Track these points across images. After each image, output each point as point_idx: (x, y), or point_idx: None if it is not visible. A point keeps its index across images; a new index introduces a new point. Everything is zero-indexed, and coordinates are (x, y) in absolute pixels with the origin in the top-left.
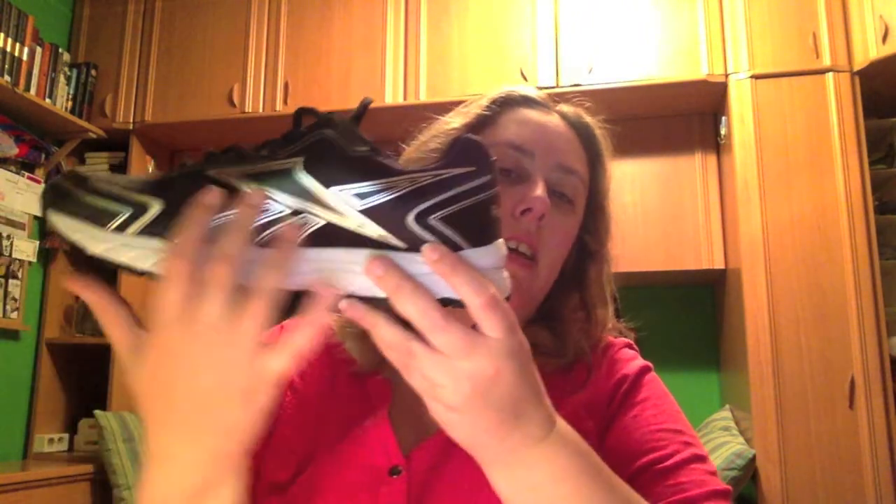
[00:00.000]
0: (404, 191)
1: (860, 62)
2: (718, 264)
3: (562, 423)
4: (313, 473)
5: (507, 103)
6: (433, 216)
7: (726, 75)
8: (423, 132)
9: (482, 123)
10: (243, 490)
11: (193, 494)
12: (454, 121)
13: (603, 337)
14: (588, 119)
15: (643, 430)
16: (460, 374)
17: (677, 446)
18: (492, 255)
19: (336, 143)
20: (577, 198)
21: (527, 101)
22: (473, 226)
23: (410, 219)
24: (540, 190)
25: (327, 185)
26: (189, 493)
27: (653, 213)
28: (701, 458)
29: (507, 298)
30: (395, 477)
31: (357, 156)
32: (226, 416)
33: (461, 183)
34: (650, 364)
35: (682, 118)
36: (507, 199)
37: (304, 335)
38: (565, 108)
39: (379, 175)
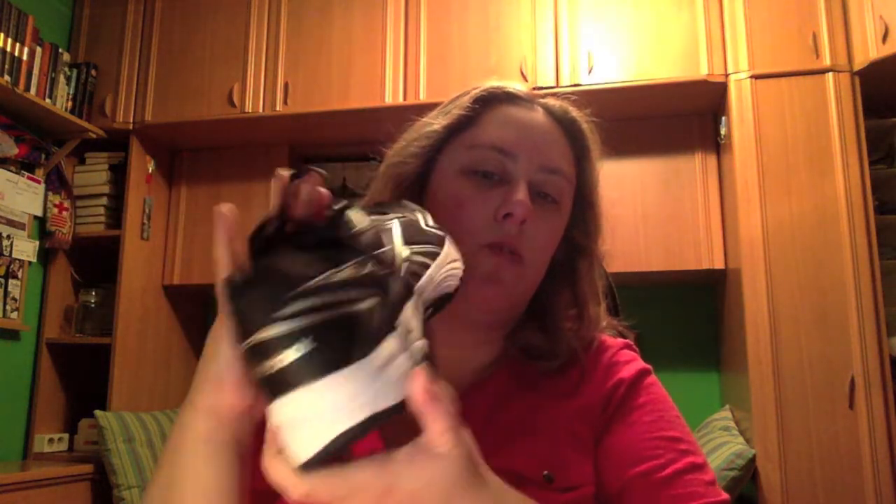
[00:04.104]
0: None
1: (860, 62)
2: (718, 264)
3: None
4: None
5: (489, 101)
6: None
7: (726, 75)
8: (406, 132)
9: (464, 124)
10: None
11: None
12: (436, 122)
13: (596, 336)
14: (574, 113)
15: (639, 438)
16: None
17: (674, 455)
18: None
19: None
20: (563, 197)
21: (510, 98)
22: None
23: None
24: (521, 194)
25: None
26: None
27: (653, 213)
28: (698, 467)
29: (313, 459)
30: None
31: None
32: None
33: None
34: (649, 367)
35: (681, 118)
36: (489, 202)
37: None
38: (551, 102)
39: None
